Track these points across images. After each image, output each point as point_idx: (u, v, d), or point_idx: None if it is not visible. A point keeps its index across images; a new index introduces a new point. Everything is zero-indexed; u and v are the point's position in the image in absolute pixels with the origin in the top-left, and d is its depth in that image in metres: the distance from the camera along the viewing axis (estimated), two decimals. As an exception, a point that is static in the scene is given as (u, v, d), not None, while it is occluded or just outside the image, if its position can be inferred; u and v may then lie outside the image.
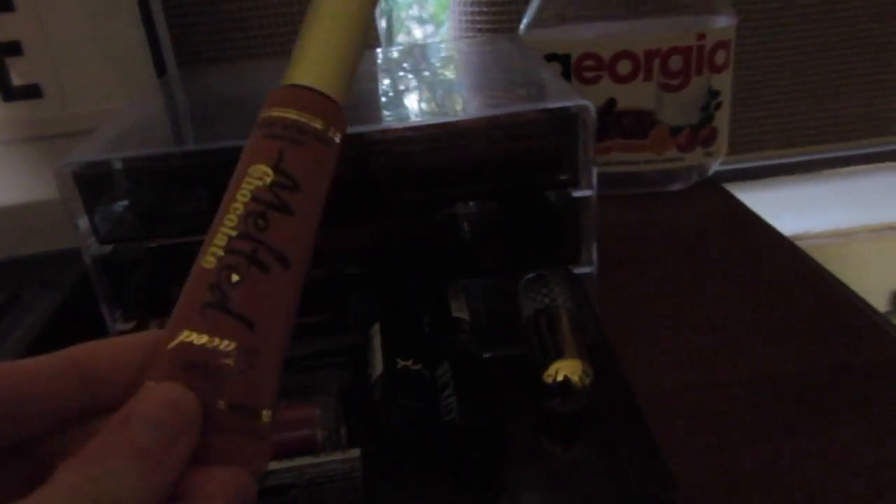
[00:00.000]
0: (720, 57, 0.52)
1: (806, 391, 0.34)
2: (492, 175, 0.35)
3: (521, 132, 0.34)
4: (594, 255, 0.36)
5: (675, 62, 0.51)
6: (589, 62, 0.52)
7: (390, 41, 0.85)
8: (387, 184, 0.35)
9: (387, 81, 0.43)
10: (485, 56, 0.47)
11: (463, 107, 0.36)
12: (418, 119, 0.34)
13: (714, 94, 0.53)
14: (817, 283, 0.43)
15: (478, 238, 0.36)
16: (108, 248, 0.34)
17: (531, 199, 0.36)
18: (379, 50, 0.51)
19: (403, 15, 0.88)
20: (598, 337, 0.37)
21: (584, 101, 0.33)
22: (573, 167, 0.34)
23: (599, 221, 0.35)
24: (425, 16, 0.88)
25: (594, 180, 0.34)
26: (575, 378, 0.29)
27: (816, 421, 0.32)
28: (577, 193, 0.34)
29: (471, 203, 0.36)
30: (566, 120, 0.34)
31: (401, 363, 0.31)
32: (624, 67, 0.52)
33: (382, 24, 0.85)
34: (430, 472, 0.29)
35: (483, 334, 0.35)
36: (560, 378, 0.30)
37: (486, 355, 0.34)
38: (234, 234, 0.17)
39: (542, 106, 0.34)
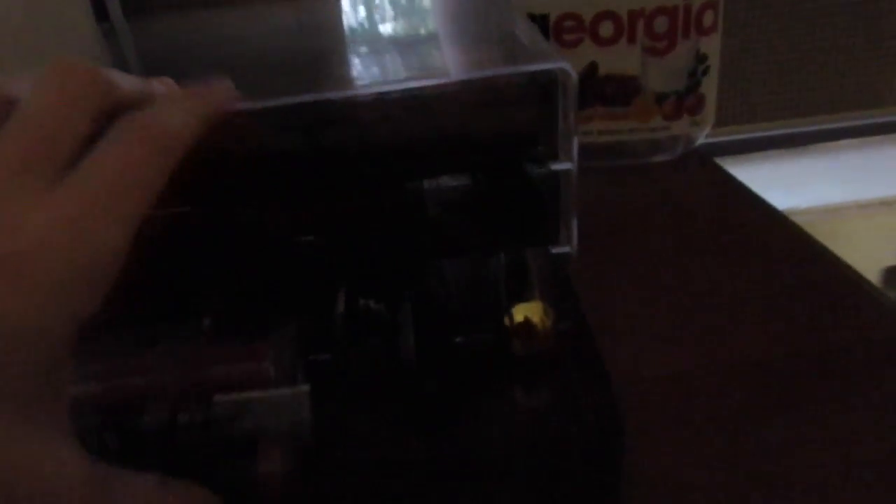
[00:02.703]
0: (708, 18, 0.48)
1: (797, 373, 0.31)
2: (461, 147, 0.31)
3: (493, 98, 0.31)
4: (574, 234, 0.32)
5: (661, 24, 0.48)
6: (569, 23, 0.48)
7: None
8: (344, 157, 0.31)
9: (349, 40, 0.39)
10: (458, 10, 0.43)
11: (429, 70, 0.32)
12: (376, 85, 0.31)
13: (702, 58, 0.50)
14: (812, 258, 0.40)
15: (447, 217, 0.33)
16: None
17: (505, 173, 0.32)
18: (344, 2, 0.47)
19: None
20: (577, 319, 0.34)
21: (563, 63, 0.29)
22: (552, 138, 0.31)
23: (580, 197, 0.32)
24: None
25: (575, 152, 0.30)
26: (536, 319, 0.29)
27: (809, 405, 0.29)
28: (555, 166, 0.31)
29: (440, 178, 0.32)
30: (544, 85, 0.30)
31: (362, 302, 0.30)
32: (606, 29, 0.48)
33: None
34: (382, 410, 0.28)
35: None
36: (520, 319, 0.29)
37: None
38: None
39: (515, 70, 0.31)
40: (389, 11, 0.41)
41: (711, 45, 0.50)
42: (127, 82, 0.23)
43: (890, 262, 0.79)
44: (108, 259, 0.20)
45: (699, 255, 0.41)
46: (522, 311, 0.30)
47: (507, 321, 0.29)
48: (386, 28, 0.39)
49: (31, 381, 0.19)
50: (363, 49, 0.37)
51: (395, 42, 0.36)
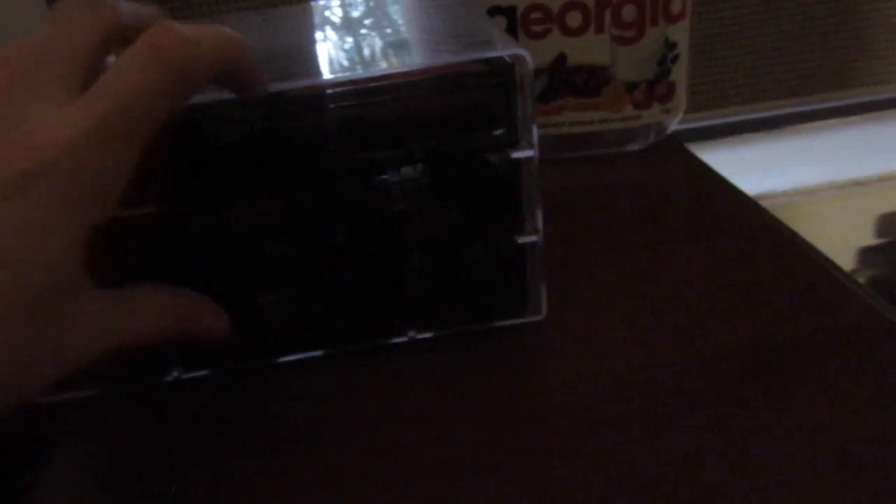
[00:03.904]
0: (676, 5, 0.48)
1: (765, 362, 0.31)
2: (421, 136, 0.31)
3: (450, 87, 0.31)
4: (539, 223, 0.32)
5: (629, 12, 0.47)
6: (536, 14, 0.48)
7: None
8: (301, 149, 0.31)
9: (311, 35, 0.39)
10: (422, 9, 0.43)
11: (388, 61, 0.32)
12: (332, 75, 0.30)
13: (671, 45, 0.49)
14: (783, 245, 0.40)
15: (409, 208, 0.32)
16: None
17: (466, 163, 0.32)
18: (318, 3, 0.47)
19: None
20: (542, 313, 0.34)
21: (519, 49, 0.29)
22: (511, 125, 0.30)
23: (545, 185, 0.32)
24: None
25: (535, 139, 0.30)
26: None
27: (777, 394, 0.29)
28: (516, 154, 0.31)
29: (401, 169, 0.32)
30: (500, 72, 0.30)
31: None
32: (574, 19, 0.48)
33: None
34: None
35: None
36: None
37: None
38: None
39: (470, 56, 0.30)
40: (358, 15, 0.41)
41: (680, 32, 0.50)
42: (131, 9, 0.25)
43: (865, 242, 0.79)
44: (117, 173, 0.22)
45: (669, 245, 0.41)
46: None
47: None
48: (347, 28, 0.38)
49: (46, 292, 0.22)
50: (322, 42, 0.37)
51: (354, 37, 0.36)
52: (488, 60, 0.30)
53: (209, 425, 0.32)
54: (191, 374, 0.34)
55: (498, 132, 0.31)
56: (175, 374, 0.34)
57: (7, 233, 0.20)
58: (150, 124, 0.23)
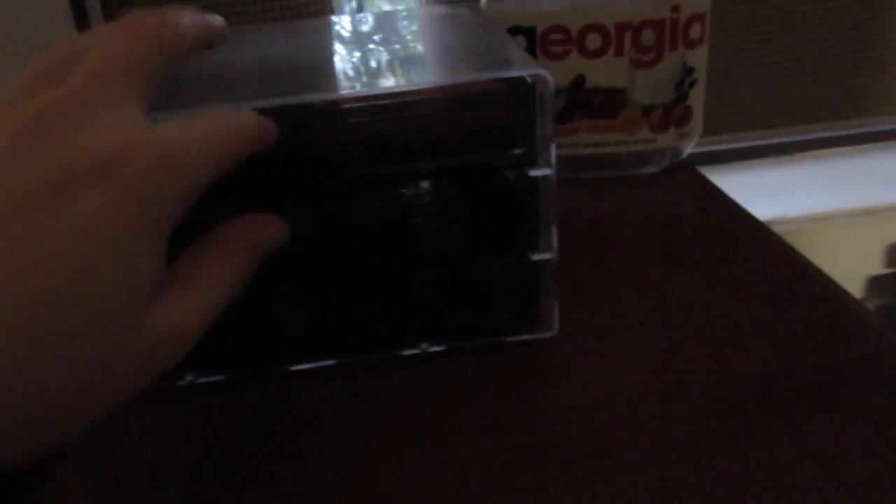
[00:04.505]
0: (695, 31, 0.49)
1: (776, 392, 0.31)
2: (440, 152, 0.31)
3: (471, 105, 0.31)
4: (554, 240, 0.33)
5: (648, 36, 0.48)
6: (556, 36, 0.48)
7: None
8: (319, 162, 0.31)
9: (333, 50, 0.39)
10: (443, 26, 0.44)
11: (408, 77, 0.32)
12: (353, 89, 0.31)
13: (689, 70, 0.50)
14: (795, 272, 0.40)
15: (426, 223, 0.33)
16: None
17: (484, 179, 0.33)
18: (337, 18, 0.47)
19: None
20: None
21: (540, 69, 0.29)
22: (530, 144, 0.31)
23: (560, 204, 0.32)
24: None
25: (553, 158, 0.31)
26: None
27: (788, 425, 0.29)
28: (534, 172, 0.31)
29: (420, 184, 0.32)
30: (521, 91, 0.30)
31: None
32: (593, 42, 0.48)
33: (353, 3, 0.81)
34: None
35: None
36: None
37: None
38: None
39: (492, 75, 0.31)
40: (378, 38, 0.41)
41: (698, 58, 0.50)
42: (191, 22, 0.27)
43: (874, 271, 0.79)
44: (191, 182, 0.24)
45: (681, 269, 0.41)
46: None
47: None
48: (369, 42, 0.39)
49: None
50: (344, 57, 0.37)
51: (375, 54, 0.36)
52: (510, 79, 0.31)
53: (220, 430, 0.32)
54: (204, 379, 0.34)
55: (517, 151, 0.31)
56: (189, 378, 0.34)
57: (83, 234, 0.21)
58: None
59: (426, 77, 0.33)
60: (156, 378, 0.23)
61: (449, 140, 0.31)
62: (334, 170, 0.31)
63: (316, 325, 0.34)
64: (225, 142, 0.25)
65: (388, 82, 0.32)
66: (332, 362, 0.34)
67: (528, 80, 0.30)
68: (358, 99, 0.31)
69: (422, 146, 0.31)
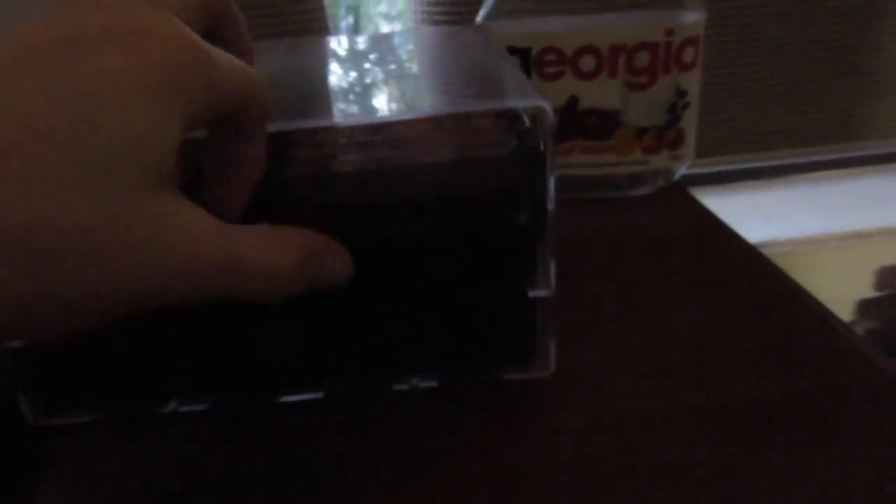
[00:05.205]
0: (688, 54, 0.49)
1: (767, 417, 0.31)
2: (439, 219, 0.30)
3: (473, 170, 0.30)
4: (551, 277, 0.32)
5: (642, 59, 0.48)
6: (550, 57, 0.48)
7: (356, 38, 0.82)
8: (313, 200, 0.29)
9: (319, 77, 0.39)
10: (443, 56, 0.43)
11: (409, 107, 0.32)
12: (351, 117, 0.30)
13: (682, 93, 0.50)
14: (785, 296, 0.40)
15: (418, 256, 0.31)
16: None
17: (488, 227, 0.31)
18: (333, 39, 0.47)
19: (371, 12, 0.85)
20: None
21: (540, 100, 0.29)
22: (534, 205, 0.30)
23: (557, 234, 0.32)
24: (393, 13, 0.85)
25: (552, 193, 0.30)
26: None
27: (778, 451, 0.29)
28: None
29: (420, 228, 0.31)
30: (526, 157, 0.29)
31: None
32: (587, 63, 0.49)
33: (349, 20, 0.82)
34: None
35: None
36: None
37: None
38: None
39: (492, 105, 0.30)
40: (378, 69, 0.41)
41: (691, 81, 0.50)
42: None
43: (864, 294, 0.80)
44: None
45: (671, 292, 0.41)
46: None
47: None
48: (372, 74, 0.39)
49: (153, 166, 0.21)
50: (347, 87, 0.37)
51: (379, 85, 0.36)
52: (510, 123, 0.30)
53: (202, 460, 0.31)
54: (189, 408, 0.33)
55: (521, 217, 0.30)
56: (173, 405, 0.33)
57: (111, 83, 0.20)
58: None
59: (423, 106, 0.32)
60: (157, 291, 0.21)
61: (450, 207, 0.30)
62: (327, 209, 0.30)
63: (305, 357, 0.33)
64: (243, 82, 0.24)
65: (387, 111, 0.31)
66: (319, 395, 0.34)
67: (533, 146, 0.29)
68: (351, 127, 0.30)
69: (420, 210, 0.30)
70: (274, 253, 0.24)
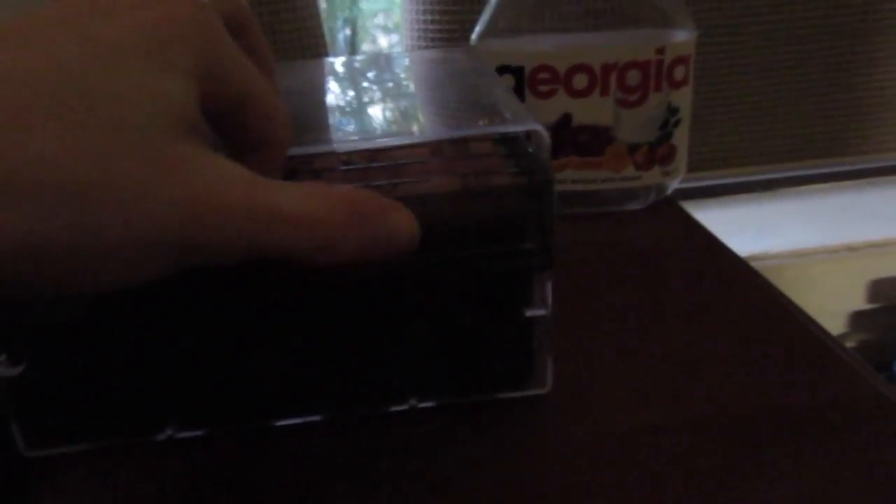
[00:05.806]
0: (679, 72, 0.50)
1: (767, 432, 0.32)
2: (444, 248, 0.30)
3: (478, 200, 0.30)
4: (548, 296, 0.32)
5: (633, 77, 0.49)
6: (543, 75, 0.49)
7: (354, 50, 0.82)
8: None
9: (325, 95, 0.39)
10: (439, 81, 0.42)
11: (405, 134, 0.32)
12: (347, 142, 0.30)
13: (673, 110, 0.51)
14: (776, 312, 0.41)
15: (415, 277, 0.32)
16: None
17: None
18: (329, 60, 0.48)
19: (368, 24, 0.86)
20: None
21: (536, 124, 0.29)
22: (541, 239, 0.30)
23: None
24: (390, 25, 0.86)
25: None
26: None
27: (766, 468, 0.30)
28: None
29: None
30: (533, 191, 0.30)
31: None
32: (580, 81, 0.49)
33: (346, 32, 0.82)
34: None
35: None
36: None
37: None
38: None
39: (489, 130, 0.31)
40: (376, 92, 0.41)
41: (683, 98, 0.51)
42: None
43: (855, 307, 0.81)
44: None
45: (663, 306, 0.42)
46: None
47: None
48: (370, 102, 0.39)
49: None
50: (344, 114, 0.36)
51: (376, 111, 0.36)
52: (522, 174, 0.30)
53: (199, 488, 0.31)
54: (185, 434, 0.33)
55: (527, 245, 0.31)
56: (169, 432, 0.33)
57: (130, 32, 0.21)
58: None
59: (421, 131, 0.32)
60: (184, 239, 0.20)
61: (456, 236, 0.30)
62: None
63: (302, 380, 0.33)
64: (255, 79, 0.24)
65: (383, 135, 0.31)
66: (317, 418, 0.34)
67: (539, 178, 0.29)
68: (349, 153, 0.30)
69: (425, 243, 0.29)
70: (313, 204, 0.22)
